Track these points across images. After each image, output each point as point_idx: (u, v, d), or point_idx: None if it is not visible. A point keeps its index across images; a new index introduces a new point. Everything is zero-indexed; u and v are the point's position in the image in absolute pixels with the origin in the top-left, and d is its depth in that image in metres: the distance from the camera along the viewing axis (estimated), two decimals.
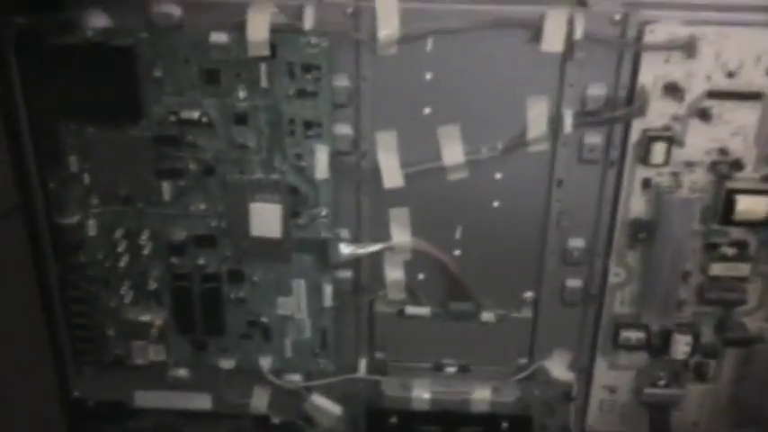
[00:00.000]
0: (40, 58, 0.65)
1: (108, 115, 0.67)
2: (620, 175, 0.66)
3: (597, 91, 0.64)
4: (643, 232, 0.68)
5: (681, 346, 0.71)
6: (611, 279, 0.70)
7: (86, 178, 0.69)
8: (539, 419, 0.76)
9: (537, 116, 0.65)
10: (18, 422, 0.87)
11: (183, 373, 0.77)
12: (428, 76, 0.64)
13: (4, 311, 0.94)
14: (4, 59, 0.65)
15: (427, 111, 0.66)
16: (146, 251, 0.71)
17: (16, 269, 0.72)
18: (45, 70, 0.65)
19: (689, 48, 0.62)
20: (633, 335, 0.71)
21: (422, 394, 0.75)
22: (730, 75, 0.63)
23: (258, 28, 0.62)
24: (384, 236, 0.70)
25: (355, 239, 0.71)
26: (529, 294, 0.72)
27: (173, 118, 0.66)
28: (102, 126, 0.67)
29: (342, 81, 0.65)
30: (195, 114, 0.66)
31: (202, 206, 0.69)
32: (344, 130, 0.67)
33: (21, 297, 0.74)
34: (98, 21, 0.64)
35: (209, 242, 0.71)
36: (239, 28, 0.63)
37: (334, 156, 0.67)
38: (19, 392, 0.90)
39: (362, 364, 0.76)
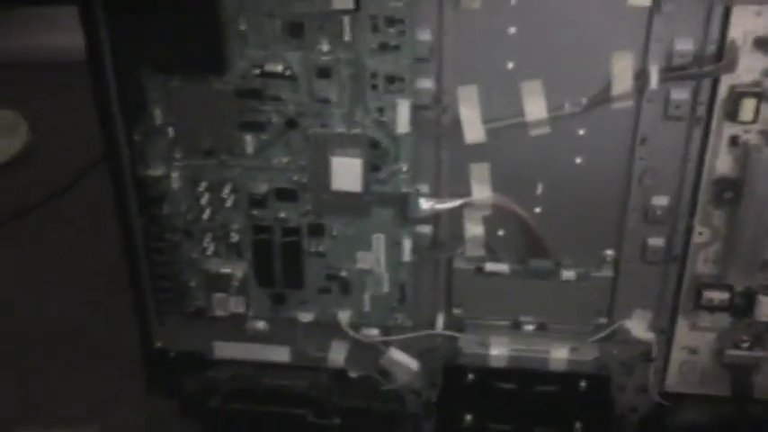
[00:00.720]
0: (127, 9, 0.66)
1: (192, 67, 0.69)
2: (706, 132, 0.67)
3: (685, 46, 0.64)
4: (729, 191, 0.68)
5: (765, 307, 0.71)
6: (695, 238, 0.70)
7: (170, 131, 0.71)
8: (617, 379, 0.77)
9: (622, 71, 0.65)
10: (102, 370, 0.92)
11: (261, 325, 0.80)
12: (512, 30, 0.65)
13: (89, 261, 0.98)
14: (90, 9, 0.67)
15: (510, 65, 0.66)
16: (228, 204, 0.73)
17: (102, 219, 0.76)
18: (131, 21, 0.67)
19: None
20: (716, 295, 0.71)
21: (499, 351, 0.76)
22: None
23: None
24: (464, 191, 0.72)
25: (435, 195, 0.72)
26: (609, 253, 0.73)
27: (256, 71, 0.68)
28: (187, 78, 0.69)
29: (424, 35, 0.66)
30: (279, 67, 0.67)
31: (284, 159, 0.71)
32: (426, 84, 0.68)
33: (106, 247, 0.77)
34: None
35: (290, 195, 0.73)
36: None
37: (416, 110, 0.68)
38: (103, 341, 0.94)
39: (440, 319, 0.77)
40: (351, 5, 0.64)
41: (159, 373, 0.84)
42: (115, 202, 0.75)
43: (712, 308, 0.72)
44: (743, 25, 0.63)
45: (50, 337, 1.00)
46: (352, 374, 0.81)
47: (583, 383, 0.75)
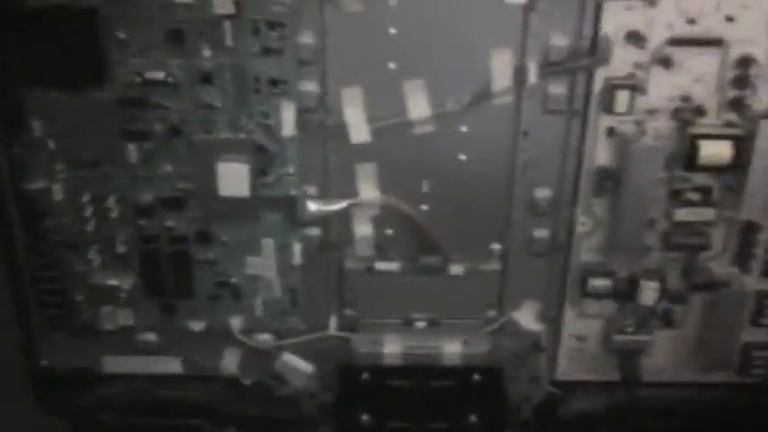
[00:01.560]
0: (3, 22, 0.66)
1: (72, 78, 0.69)
2: (584, 124, 0.70)
3: (560, 41, 0.68)
4: (609, 181, 0.71)
5: (648, 292, 0.75)
6: (578, 228, 0.74)
7: (51, 143, 0.71)
8: (510, 371, 0.80)
9: (501, 68, 0.68)
10: None
11: (151, 337, 0.80)
12: (392, 30, 0.67)
13: None
14: None
15: (392, 66, 0.69)
16: (113, 214, 0.74)
17: None
18: (8, 34, 0.67)
19: None
20: (600, 283, 0.75)
21: (393, 349, 0.79)
22: (691, 22, 0.66)
23: None
24: (352, 192, 0.73)
25: (323, 196, 0.73)
26: (497, 246, 0.76)
27: (137, 79, 0.68)
28: (67, 90, 0.69)
29: (307, 38, 0.68)
30: (160, 75, 0.68)
31: (169, 168, 0.72)
32: (310, 86, 0.69)
33: None
34: None
35: (177, 204, 0.73)
36: None
37: (301, 113, 0.69)
38: None
39: (333, 321, 0.79)
40: (232, 10, 0.65)
41: (47, 392, 0.83)
42: None
43: (597, 295, 0.75)
44: (615, 20, 0.66)
45: None
46: (246, 382, 0.81)
47: (476, 376, 0.78)
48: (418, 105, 0.70)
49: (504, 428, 0.80)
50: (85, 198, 0.73)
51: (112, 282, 0.77)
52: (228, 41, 0.67)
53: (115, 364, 0.83)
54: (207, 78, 0.69)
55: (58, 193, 0.73)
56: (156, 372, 0.82)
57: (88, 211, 0.74)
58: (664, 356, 0.79)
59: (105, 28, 0.67)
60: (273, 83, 0.69)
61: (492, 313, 0.79)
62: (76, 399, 0.83)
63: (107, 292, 0.77)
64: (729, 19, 0.66)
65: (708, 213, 0.72)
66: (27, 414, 0.84)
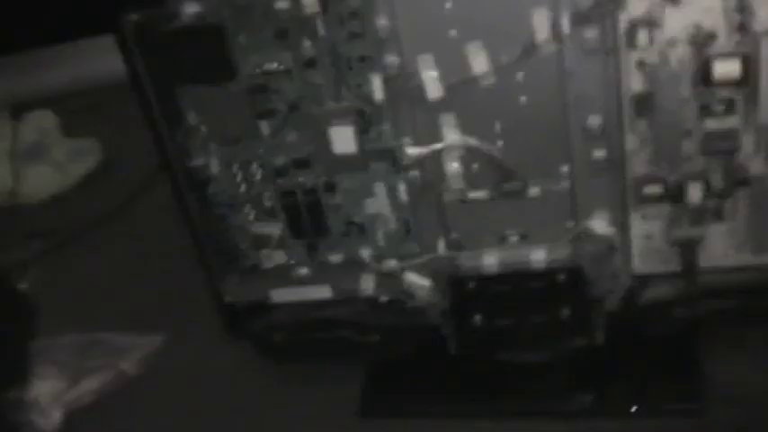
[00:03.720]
0: (154, 42, 0.82)
1: (211, 77, 0.84)
2: (617, 60, 0.79)
3: None
4: (645, 104, 0.80)
5: (695, 192, 0.83)
6: (628, 146, 0.83)
7: (203, 128, 0.87)
8: (592, 269, 0.90)
9: (541, 24, 0.78)
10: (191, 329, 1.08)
11: (303, 270, 0.95)
12: (448, 5, 0.79)
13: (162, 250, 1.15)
14: (127, 47, 0.83)
15: (453, 33, 0.80)
16: (257, 178, 0.88)
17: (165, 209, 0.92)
18: (159, 50, 0.83)
19: None
20: (653, 189, 0.84)
21: (491, 261, 0.90)
22: None
23: None
24: (439, 137, 0.85)
25: (416, 143, 0.86)
26: (564, 168, 0.86)
27: (258, 71, 0.83)
28: (209, 85, 0.84)
29: (382, 21, 0.79)
30: (274, 66, 0.82)
31: (294, 136, 0.86)
32: (391, 58, 0.81)
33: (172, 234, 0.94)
34: (191, 7, 0.81)
35: (304, 163, 0.87)
36: None
37: (387, 80, 0.82)
38: (187, 310, 1.10)
39: (441, 244, 0.91)
40: (318, 9, 0.78)
41: (234, 322, 1.00)
42: (172, 191, 0.91)
43: (653, 199, 0.84)
44: None
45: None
46: (383, 299, 0.95)
47: (561, 276, 0.88)
48: (479, 62, 0.80)
49: (591, 319, 0.90)
50: (235, 168, 0.88)
51: (265, 230, 0.92)
52: (322, 32, 0.80)
53: (280, 294, 0.98)
54: (310, 63, 0.82)
55: (214, 166, 0.89)
56: (312, 298, 0.97)
57: (239, 177, 0.89)
58: (720, 245, 0.87)
59: (229, 36, 0.81)
60: (362, 59, 0.81)
61: (570, 224, 0.89)
62: (255, 325, 0.99)
63: (263, 239, 0.92)
64: None
65: (733, 121, 0.79)
66: (221, 341, 1.01)
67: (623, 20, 0.77)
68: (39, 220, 1.42)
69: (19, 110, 1.57)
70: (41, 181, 1.48)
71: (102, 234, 1.34)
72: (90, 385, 1.06)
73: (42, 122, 1.51)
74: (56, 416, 1.01)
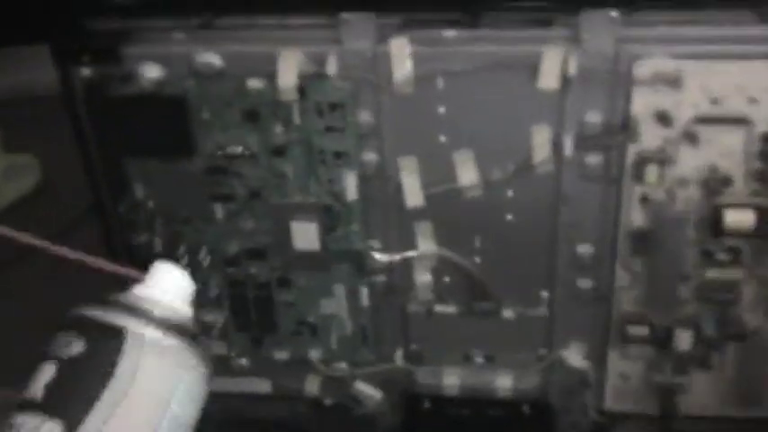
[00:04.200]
0: (105, 105, 0.71)
1: (166, 151, 0.73)
2: (619, 191, 0.70)
3: (594, 118, 0.68)
4: (644, 242, 0.71)
5: (683, 339, 0.75)
6: (618, 282, 0.74)
7: (151, 203, 0.76)
8: (560, 402, 0.81)
9: (541, 142, 0.69)
10: None
11: (244, 362, 0.85)
12: (441, 109, 0.69)
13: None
14: (75, 107, 0.72)
15: (443, 139, 0.71)
16: (205, 264, 0.78)
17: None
18: (110, 115, 0.72)
19: (675, 81, 0.65)
20: (639, 330, 0.76)
21: (452, 381, 0.81)
22: (715, 102, 0.65)
23: (287, 75, 0.68)
24: (412, 245, 0.76)
25: (386, 249, 0.76)
26: (545, 294, 0.77)
27: (220, 152, 0.72)
28: (162, 160, 0.74)
29: (365, 117, 0.70)
30: (239, 149, 0.72)
31: (251, 224, 0.76)
32: (370, 157, 0.72)
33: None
34: (151, 72, 0.70)
35: (259, 255, 0.77)
36: (272, 75, 0.68)
37: (362, 179, 0.72)
38: None
39: (399, 354, 0.82)
40: (295, 97, 0.68)
41: None
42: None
43: (637, 340, 0.76)
44: (643, 100, 0.66)
45: None
46: (327, 402, 0.85)
47: (526, 408, 0.79)
48: (467, 173, 0.72)
49: None
50: (181, 249, 0.78)
51: (208, 318, 0.82)
52: (297, 120, 0.70)
53: (214, 383, 0.87)
54: (279, 151, 0.72)
55: (158, 245, 0.78)
56: (250, 391, 0.87)
57: (184, 261, 0.78)
58: (702, 395, 0.79)
59: (191, 110, 0.71)
60: (337, 154, 0.72)
61: (543, 351, 0.80)
62: None
63: (204, 327, 0.82)
64: (753, 100, 0.65)
65: (737, 273, 0.71)
66: None
67: (632, 151, 0.68)
68: None
69: None
70: None
71: (21, 272, 1.21)
72: None
73: None
74: None
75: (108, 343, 0.46)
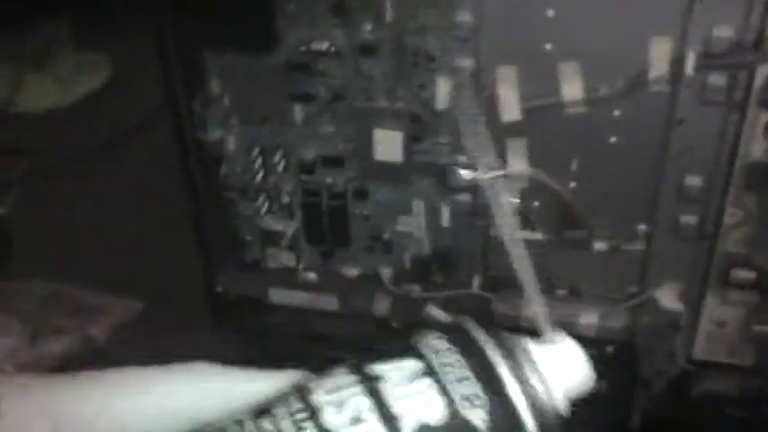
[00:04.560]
0: None
1: (246, 44, 0.67)
2: (741, 118, 0.62)
3: (723, 33, 0.60)
4: (761, 177, 0.64)
5: None
6: (727, 219, 0.67)
7: (227, 100, 0.70)
8: (645, 346, 0.75)
9: (659, 57, 0.62)
10: (169, 311, 0.93)
11: (311, 276, 0.80)
12: (550, 12, 0.62)
13: (158, 214, 0.99)
14: None
15: (548, 47, 0.63)
16: (279, 168, 0.73)
17: (168, 177, 0.76)
18: (188, 3, 0.66)
19: None
20: (744, 274, 0.69)
21: (531, 313, 0.75)
22: None
23: None
24: (502, 164, 0.69)
25: (473, 166, 0.69)
26: (642, 227, 0.70)
27: (303, 48, 0.66)
28: (241, 54, 0.68)
29: (464, 16, 0.63)
30: (324, 46, 0.66)
31: (331, 129, 0.70)
32: (465, 62, 0.65)
33: (172, 201, 0.78)
34: None
35: (336, 162, 0.72)
36: None
37: (455, 87, 0.65)
38: (171, 285, 0.95)
39: (476, 280, 0.76)
40: None
41: (221, 316, 0.85)
42: (179, 161, 0.75)
43: (740, 285, 0.69)
44: None
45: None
46: (396, 324, 0.80)
47: (610, 348, 0.73)
48: (572, 88, 0.65)
49: (633, 400, 0.75)
50: (255, 151, 0.73)
51: (277, 227, 0.76)
52: (389, 17, 0.64)
53: (280, 296, 0.83)
54: (367, 50, 0.66)
55: (231, 143, 0.73)
56: (316, 307, 0.82)
57: (258, 163, 0.73)
58: None
59: (276, 0, 0.65)
60: (430, 57, 0.65)
61: (633, 289, 0.73)
62: (245, 323, 0.84)
63: (272, 236, 0.77)
64: None
65: None
66: (204, 333, 0.86)
67: (763, 73, 0.60)
68: (30, 137, 1.25)
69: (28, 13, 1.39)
70: (41, 93, 1.31)
71: (96, 164, 1.17)
72: (52, 348, 0.90)
73: (52, 29, 1.33)
74: None
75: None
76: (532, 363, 0.36)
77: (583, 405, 0.70)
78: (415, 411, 0.33)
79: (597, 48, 0.63)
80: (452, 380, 0.34)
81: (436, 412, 0.34)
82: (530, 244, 0.68)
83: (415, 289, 0.78)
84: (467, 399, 0.34)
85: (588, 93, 0.65)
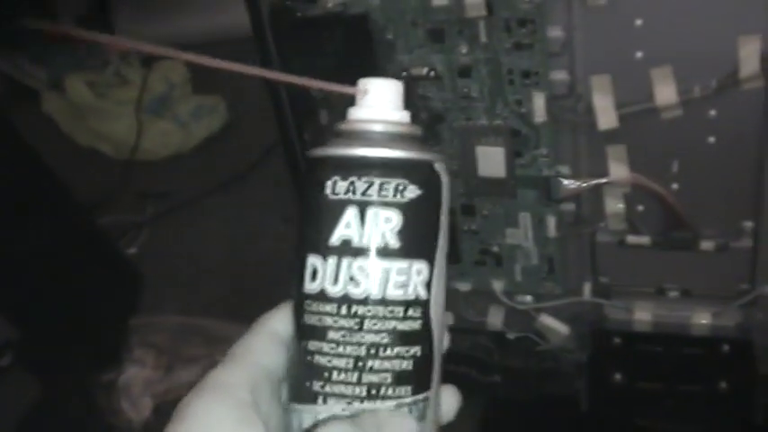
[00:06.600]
0: (291, 29, 0.71)
1: (350, 74, 0.72)
2: None
3: None
4: None
5: None
6: None
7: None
8: (760, 343, 0.75)
9: (748, 54, 0.63)
10: None
11: None
12: (638, 21, 0.65)
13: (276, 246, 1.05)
14: (262, 32, 0.71)
15: (639, 54, 0.66)
16: None
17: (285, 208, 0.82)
18: (295, 39, 0.71)
19: None
20: None
21: (644, 317, 0.77)
22: None
23: None
24: (602, 171, 0.72)
25: (575, 175, 0.72)
26: (748, 223, 0.71)
27: (404, 74, 0.70)
28: (347, 83, 0.72)
29: (555, 32, 0.66)
30: (423, 71, 0.70)
31: (435, 149, 0.74)
32: (560, 76, 0.68)
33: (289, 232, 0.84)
34: None
35: None
36: None
37: (551, 100, 0.69)
38: None
39: (587, 287, 0.78)
40: (484, 12, 0.65)
41: None
42: (297, 192, 0.80)
43: None
44: None
45: None
46: (510, 336, 0.83)
47: (726, 347, 0.74)
48: (665, 92, 0.67)
49: (754, 398, 0.76)
50: None
51: None
52: (483, 38, 0.68)
53: None
54: (465, 72, 0.69)
55: None
56: None
57: None
58: None
59: (375, 30, 0.69)
60: (525, 74, 0.68)
61: (744, 287, 0.74)
62: None
63: None
64: None
65: None
66: None
67: None
68: (155, 181, 1.34)
69: (149, 58, 1.48)
70: (164, 139, 1.40)
71: (217, 202, 1.25)
72: (185, 377, 0.97)
73: (171, 74, 1.43)
74: (146, 406, 0.93)
75: (432, 179, 0.42)
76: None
77: (703, 404, 0.72)
78: None
79: (686, 51, 0.65)
80: None
81: None
82: (636, 248, 0.71)
83: (528, 300, 0.81)
84: None
85: (682, 95, 0.66)
